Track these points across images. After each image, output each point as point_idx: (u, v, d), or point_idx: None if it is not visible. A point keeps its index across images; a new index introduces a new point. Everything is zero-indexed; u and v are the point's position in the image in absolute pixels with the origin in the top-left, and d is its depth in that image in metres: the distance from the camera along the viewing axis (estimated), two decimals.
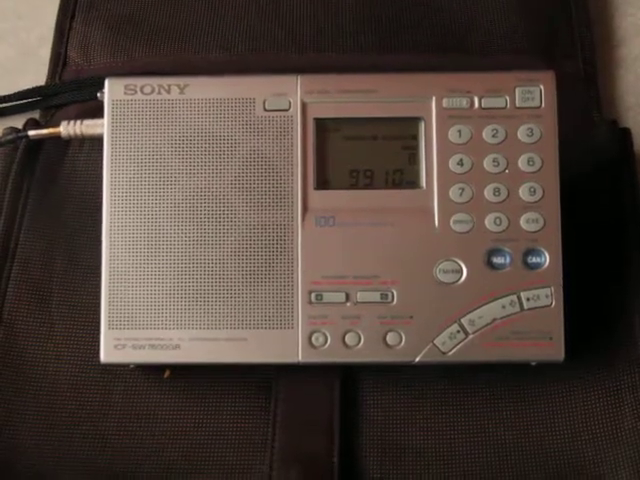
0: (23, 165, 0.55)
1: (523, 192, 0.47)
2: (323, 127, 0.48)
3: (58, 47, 0.60)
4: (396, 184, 0.48)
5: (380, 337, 0.47)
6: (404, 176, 0.48)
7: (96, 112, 0.50)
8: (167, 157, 0.48)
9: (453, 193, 0.48)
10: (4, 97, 0.59)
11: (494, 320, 0.47)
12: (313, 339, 0.47)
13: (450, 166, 0.48)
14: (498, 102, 0.48)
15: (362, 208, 0.48)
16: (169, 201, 0.48)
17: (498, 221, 0.47)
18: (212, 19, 0.60)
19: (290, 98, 0.48)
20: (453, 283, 0.47)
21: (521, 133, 0.48)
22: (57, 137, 0.53)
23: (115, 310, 0.47)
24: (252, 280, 0.47)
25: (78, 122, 0.52)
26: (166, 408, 0.49)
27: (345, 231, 0.47)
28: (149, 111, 0.48)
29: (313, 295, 0.47)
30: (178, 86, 0.48)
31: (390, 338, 0.47)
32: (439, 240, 0.47)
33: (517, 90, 0.48)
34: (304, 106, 0.48)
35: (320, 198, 0.48)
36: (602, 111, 0.57)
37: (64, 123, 0.53)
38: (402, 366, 0.48)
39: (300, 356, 0.47)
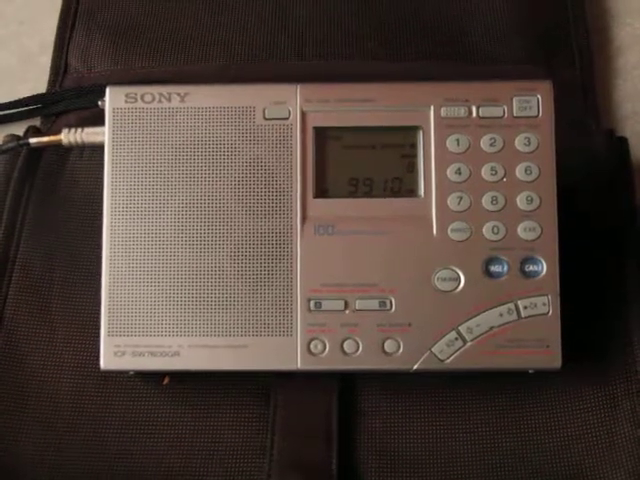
0: (24, 172, 0.55)
1: (520, 201, 0.48)
2: (322, 136, 0.48)
3: (59, 55, 0.60)
4: (395, 192, 0.48)
5: (378, 345, 0.47)
6: (403, 184, 0.48)
7: (97, 119, 0.51)
8: (167, 165, 0.48)
9: (451, 202, 0.48)
10: (5, 104, 0.59)
11: (492, 328, 0.47)
12: (312, 346, 0.47)
13: (448, 175, 0.48)
14: (496, 111, 0.48)
15: (361, 216, 0.48)
16: (169, 209, 0.48)
17: (496, 229, 0.47)
18: (213, 27, 0.60)
19: (290, 107, 0.49)
20: (451, 291, 0.47)
21: (519, 142, 0.48)
22: (58, 144, 0.54)
23: (115, 317, 0.47)
24: (251, 288, 0.47)
25: (79, 130, 0.53)
26: (165, 415, 0.49)
27: (344, 239, 0.47)
28: (150, 119, 0.48)
29: (312, 303, 0.47)
30: (178, 94, 0.49)
31: (388, 346, 0.47)
32: (437, 248, 0.47)
33: (515, 99, 0.48)
34: (303, 115, 0.48)
35: (319, 206, 0.48)
36: (599, 120, 0.57)
37: (65, 131, 0.53)
38: (400, 373, 0.48)
39: (299, 363, 0.47)
